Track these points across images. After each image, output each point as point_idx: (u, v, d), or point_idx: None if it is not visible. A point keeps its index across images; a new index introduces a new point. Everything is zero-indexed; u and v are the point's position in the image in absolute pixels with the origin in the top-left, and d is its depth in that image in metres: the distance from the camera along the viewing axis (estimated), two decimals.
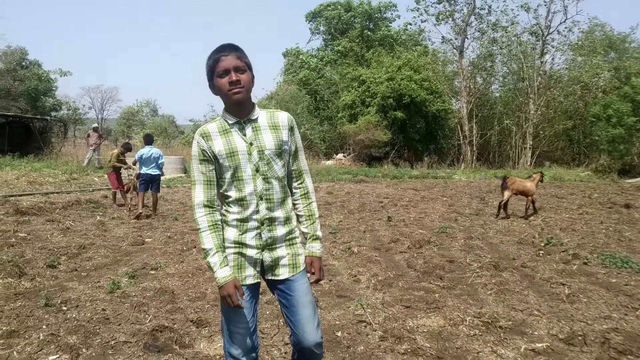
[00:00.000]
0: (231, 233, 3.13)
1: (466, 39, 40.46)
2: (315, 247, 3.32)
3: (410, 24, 45.08)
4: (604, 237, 10.59)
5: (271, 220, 3.13)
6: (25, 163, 24.98)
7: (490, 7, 39.96)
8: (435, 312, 6.03)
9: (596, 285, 7.06)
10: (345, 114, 38.13)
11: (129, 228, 11.42)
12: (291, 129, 3.24)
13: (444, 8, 40.53)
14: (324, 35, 50.67)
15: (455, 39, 40.90)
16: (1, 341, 4.99)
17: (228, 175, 3.08)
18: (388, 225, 12.06)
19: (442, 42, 42.49)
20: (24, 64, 45.00)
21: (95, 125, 31.30)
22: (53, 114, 45.55)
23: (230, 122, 3.12)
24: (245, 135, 3.10)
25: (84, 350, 4.85)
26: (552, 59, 39.91)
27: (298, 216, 3.35)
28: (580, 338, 5.16)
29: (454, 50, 41.47)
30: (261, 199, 3.10)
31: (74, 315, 5.76)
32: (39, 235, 10.10)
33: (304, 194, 3.35)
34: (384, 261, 8.48)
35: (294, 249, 3.23)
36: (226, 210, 3.17)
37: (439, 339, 5.22)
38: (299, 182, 3.34)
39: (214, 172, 3.13)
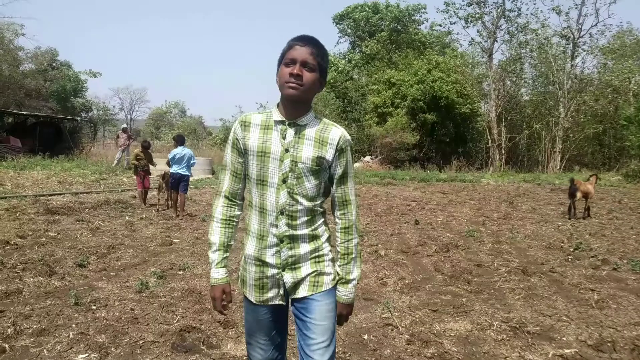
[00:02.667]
0: (251, 247, 2.80)
1: (495, 42, 40.23)
2: (342, 292, 2.87)
3: (440, 25, 44.94)
4: (634, 242, 10.48)
5: (292, 239, 2.74)
6: (55, 163, 25.33)
7: (520, 9, 39.65)
8: (462, 316, 6.01)
9: (626, 292, 6.99)
10: (373, 115, 38.05)
11: (157, 228, 11.52)
12: (341, 151, 2.77)
13: (473, 11, 40.33)
14: (351, 38, 50.62)
15: (485, 41, 40.68)
16: (32, 339, 5.07)
17: (253, 175, 2.75)
18: (415, 228, 12.02)
19: (471, 45, 42.30)
20: (54, 64, 45.70)
21: (125, 126, 31.60)
22: (83, 114, 46.14)
23: (275, 118, 2.75)
24: (284, 138, 2.71)
25: (112, 349, 4.90)
26: (583, 62, 39.52)
27: (336, 252, 2.90)
28: (609, 344, 5.11)
29: (483, 53, 41.25)
30: (282, 213, 2.71)
31: (102, 315, 5.82)
32: (69, 235, 10.22)
33: (345, 227, 2.87)
34: (411, 264, 8.46)
35: (319, 266, 2.81)
36: (250, 217, 2.84)
37: (466, 343, 5.20)
38: (342, 212, 2.87)
39: (242, 166, 2.83)
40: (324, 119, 2.82)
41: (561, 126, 36.43)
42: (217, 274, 2.82)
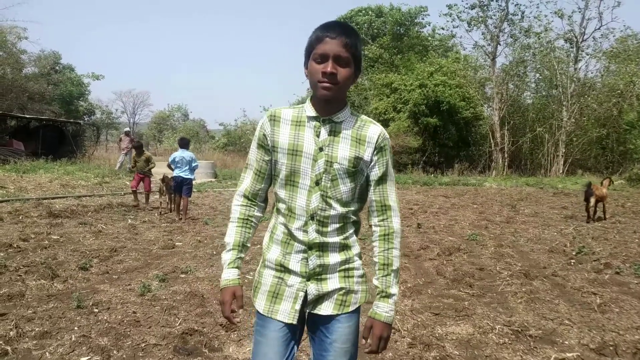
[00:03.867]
0: (275, 251, 2.56)
1: (499, 45, 40.20)
2: (382, 308, 2.55)
3: (443, 29, 44.91)
4: (636, 246, 10.47)
5: (322, 246, 2.49)
6: (58, 166, 25.37)
7: (523, 13, 39.61)
8: (464, 319, 6.01)
9: (628, 295, 6.99)
10: (375, 120, 37.98)
11: (159, 232, 11.53)
12: (380, 150, 2.54)
13: (476, 14, 40.31)
14: None
15: (488, 45, 40.67)
16: (34, 342, 5.07)
17: (282, 175, 2.51)
18: (418, 232, 12.02)
19: (474, 48, 42.28)
20: (57, 68, 45.89)
21: (127, 129, 31.64)
22: (86, 117, 46.29)
23: (308, 114, 2.51)
24: (318, 136, 2.47)
25: (114, 352, 4.91)
26: (586, 66, 39.48)
27: (373, 262, 2.63)
28: (611, 348, 5.12)
29: (486, 56, 41.24)
30: (312, 218, 2.47)
31: (105, 318, 5.83)
32: (71, 238, 10.23)
33: (385, 235, 2.58)
34: (413, 268, 8.46)
35: (349, 282, 2.55)
36: (276, 220, 2.62)
37: (468, 347, 5.20)
38: (381, 217, 2.60)
39: (268, 165, 2.60)
40: (362, 116, 2.59)
41: (564, 130, 36.39)
42: (228, 275, 2.56)
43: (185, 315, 6.00)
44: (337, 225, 2.50)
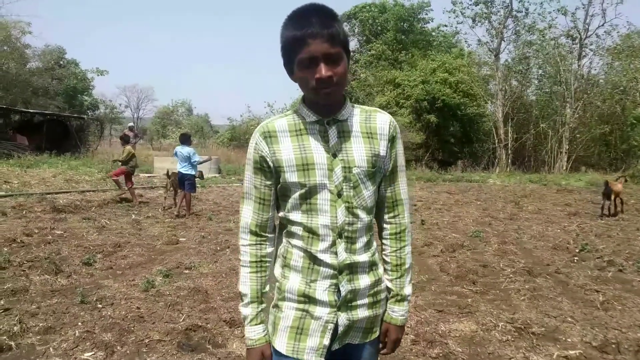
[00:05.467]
0: (294, 281, 2.19)
1: (502, 41, 40.11)
2: (397, 312, 2.34)
3: (446, 26, 44.79)
4: None
5: (352, 268, 2.18)
6: (62, 161, 25.45)
7: (527, 9, 39.47)
8: (467, 316, 6.02)
9: (631, 293, 6.99)
10: None
11: (163, 227, 11.55)
12: (392, 140, 2.27)
13: (480, 10, 40.19)
14: (358, 37, 50.50)
15: (492, 41, 40.58)
16: (38, 337, 5.11)
17: (296, 195, 2.15)
18: (421, 228, 12.02)
19: (478, 45, 42.19)
20: (61, 62, 45.90)
21: (131, 124, 31.70)
22: (90, 112, 46.35)
23: (308, 120, 2.18)
24: (327, 142, 2.15)
25: (118, 347, 4.93)
26: (590, 62, 39.41)
27: (384, 262, 2.39)
28: (613, 346, 5.12)
29: (490, 53, 41.15)
30: (340, 236, 2.14)
31: (109, 313, 5.85)
32: (75, 233, 10.26)
33: (397, 233, 2.35)
34: (416, 265, 8.47)
35: (376, 309, 2.29)
36: (288, 244, 2.25)
37: (471, 344, 5.21)
38: (392, 214, 2.35)
39: (272, 190, 2.25)
40: (361, 106, 2.30)
41: (568, 126, 36.32)
42: (254, 333, 2.23)
43: (189, 311, 6.02)
44: (365, 239, 2.22)
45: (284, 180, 2.15)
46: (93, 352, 4.80)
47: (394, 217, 2.35)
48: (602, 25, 38.24)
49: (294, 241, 2.21)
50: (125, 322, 5.60)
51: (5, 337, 4.95)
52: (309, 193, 2.13)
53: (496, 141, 38.48)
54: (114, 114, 61.38)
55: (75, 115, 37.90)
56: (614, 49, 37.84)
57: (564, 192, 21.69)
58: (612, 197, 14.45)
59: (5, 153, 25.90)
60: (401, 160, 2.35)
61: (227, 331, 5.42)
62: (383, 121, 2.25)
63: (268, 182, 2.22)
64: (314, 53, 2.00)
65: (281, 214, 2.28)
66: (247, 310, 2.23)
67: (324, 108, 2.16)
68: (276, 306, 2.26)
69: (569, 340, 5.33)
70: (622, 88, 35.79)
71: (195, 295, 6.60)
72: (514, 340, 5.31)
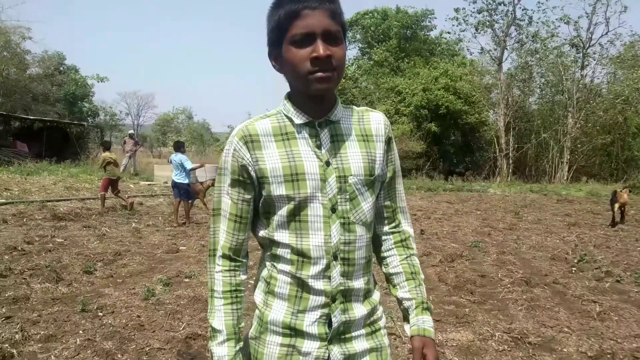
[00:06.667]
0: (279, 310, 1.88)
1: (505, 50, 40.14)
2: (429, 322, 2.02)
3: (449, 33, 44.82)
4: (638, 254, 10.49)
5: (346, 295, 1.88)
6: (62, 168, 25.58)
7: (531, 17, 39.50)
8: (464, 326, 6.07)
9: (628, 304, 7.04)
10: None
11: (163, 236, 11.59)
12: (389, 142, 1.99)
13: (483, 18, 40.24)
14: (360, 44, 50.47)
15: (495, 49, 40.61)
16: (40, 345, 5.15)
17: (282, 212, 1.83)
18: (421, 238, 12.04)
19: (481, 53, 42.23)
20: (61, 69, 45.96)
21: (131, 132, 31.82)
22: (90, 119, 46.39)
23: (297, 121, 1.85)
24: (319, 148, 1.84)
25: (119, 356, 4.98)
26: (593, 72, 39.38)
27: (390, 277, 2.08)
28: (609, 356, 5.18)
29: (492, 61, 41.17)
30: (335, 258, 1.83)
31: (109, 321, 5.90)
32: (76, 241, 10.31)
33: (402, 240, 2.07)
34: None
35: (377, 339, 2.00)
36: (273, 268, 1.92)
37: (468, 353, 5.26)
38: (393, 224, 2.08)
39: (250, 205, 1.91)
40: (351, 106, 2.00)
41: (569, 136, 36.33)
42: None
43: (189, 320, 6.07)
44: (364, 262, 1.93)
45: (269, 194, 1.83)
46: None
47: (395, 226, 2.08)
48: (606, 34, 38.28)
49: (281, 265, 1.88)
50: (125, 330, 5.66)
51: (7, 345, 4.99)
52: (298, 209, 1.81)
53: (497, 150, 38.48)
54: (115, 121, 61.44)
55: (75, 122, 38.01)
56: (617, 58, 37.85)
57: (564, 202, 21.70)
58: (617, 206, 14.71)
59: (6, 160, 26.00)
60: (398, 165, 2.07)
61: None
62: (377, 121, 1.97)
63: (247, 197, 1.88)
64: (312, 27, 1.70)
65: (262, 233, 1.94)
66: (221, 350, 1.87)
67: (315, 107, 1.85)
68: (256, 338, 1.95)
69: (565, 350, 5.38)
70: (624, 98, 35.78)
71: (195, 304, 6.65)
72: (510, 350, 5.36)
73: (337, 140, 1.86)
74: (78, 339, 5.32)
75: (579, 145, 37.28)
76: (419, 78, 37.56)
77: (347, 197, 1.84)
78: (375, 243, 2.09)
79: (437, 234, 12.72)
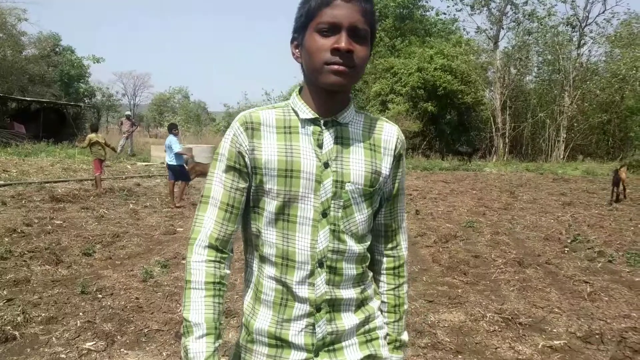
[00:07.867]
0: (264, 319, 1.79)
1: (502, 29, 40.01)
2: None
3: (445, 13, 44.63)
4: (631, 234, 10.62)
5: (333, 305, 1.78)
6: (59, 149, 25.58)
7: None
8: (457, 307, 6.18)
9: (619, 284, 7.16)
10: (376, 102, 37.90)
11: (161, 217, 11.67)
12: (399, 158, 1.90)
13: None
14: None
15: (491, 28, 40.46)
16: (41, 327, 5.26)
17: (272, 207, 1.74)
18: (416, 218, 12.15)
19: (477, 32, 42.06)
20: (57, 50, 45.80)
21: (128, 112, 31.70)
22: (86, 100, 46.31)
23: (302, 116, 1.77)
24: (320, 147, 1.75)
25: (118, 337, 5.09)
26: (589, 50, 39.29)
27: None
28: (597, 336, 5.29)
29: (489, 40, 41.05)
30: (321, 265, 1.73)
31: (109, 303, 6.00)
32: (74, 223, 10.40)
33: (395, 268, 2.01)
34: (409, 255, 8.60)
35: (373, 348, 1.87)
36: (260, 271, 1.82)
37: (459, 334, 5.37)
38: (390, 245, 2.00)
39: (243, 196, 1.79)
40: (368, 113, 1.91)
41: (566, 115, 36.35)
42: None
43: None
44: (354, 272, 1.81)
45: (260, 186, 1.75)
46: (94, 342, 4.95)
47: (392, 248, 2.00)
48: (603, 12, 38.22)
49: (266, 268, 1.79)
50: (124, 312, 5.76)
51: (9, 327, 5.09)
52: (288, 207, 1.73)
53: (493, 130, 38.50)
54: (111, 101, 61.25)
55: (72, 103, 37.98)
56: (614, 36, 37.75)
57: (560, 181, 21.83)
58: (621, 184, 15.58)
59: (4, 141, 26.03)
60: (403, 183, 1.97)
61: (223, 321, 5.55)
62: (390, 134, 1.87)
63: (241, 186, 1.77)
64: (340, 19, 1.63)
65: (251, 229, 1.84)
66: (198, 346, 1.66)
67: (325, 104, 1.76)
68: (245, 348, 1.87)
69: (555, 330, 5.49)
70: (621, 76, 35.74)
71: None
72: (500, 330, 5.47)
73: (342, 144, 1.77)
74: (78, 321, 5.42)
75: (575, 124, 37.34)
76: (414, 57, 37.41)
77: (341, 204, 1.74)
78: (372, 260, 2.00)
79: (432, 214, 12.82)
